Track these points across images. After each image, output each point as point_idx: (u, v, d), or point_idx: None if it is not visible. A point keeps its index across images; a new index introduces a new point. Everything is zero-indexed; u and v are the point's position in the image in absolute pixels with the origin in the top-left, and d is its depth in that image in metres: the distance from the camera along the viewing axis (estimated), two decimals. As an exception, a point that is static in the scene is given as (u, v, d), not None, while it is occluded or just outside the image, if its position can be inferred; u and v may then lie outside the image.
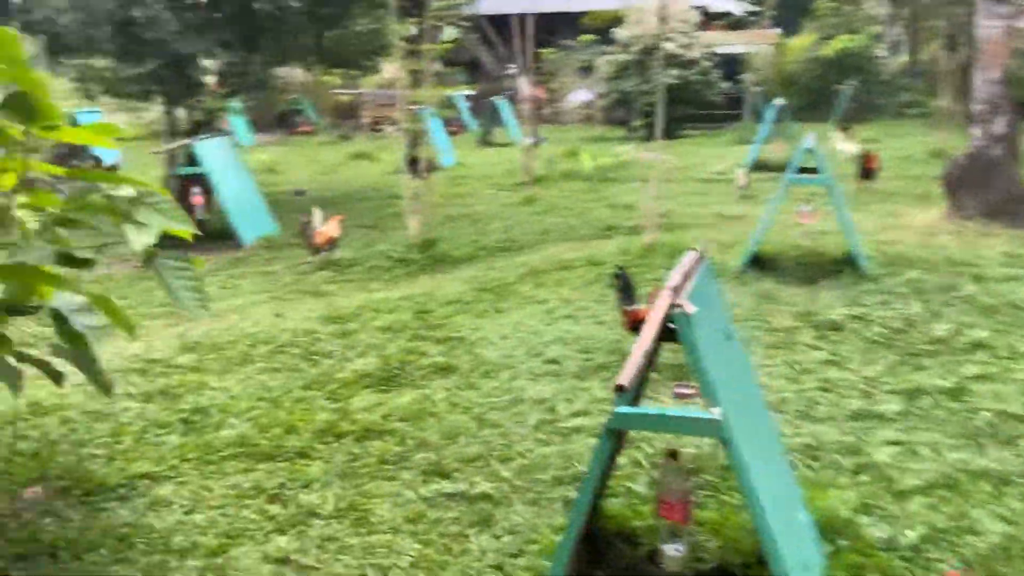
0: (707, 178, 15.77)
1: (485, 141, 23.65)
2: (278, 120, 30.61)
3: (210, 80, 11.76)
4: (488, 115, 23.82)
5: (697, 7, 24.87)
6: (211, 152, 10.36)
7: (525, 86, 32.00)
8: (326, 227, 9.20)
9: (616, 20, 9.93)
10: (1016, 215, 9.71)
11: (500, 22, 30.30)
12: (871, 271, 8.22)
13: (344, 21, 11.64)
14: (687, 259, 3.44)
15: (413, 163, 15.93)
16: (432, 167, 15.75)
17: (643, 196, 9.98)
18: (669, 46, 22.76)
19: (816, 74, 27.03)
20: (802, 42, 24.38)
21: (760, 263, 8.84)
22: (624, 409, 2.90)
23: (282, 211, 12.47)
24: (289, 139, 27.33)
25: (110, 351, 6.52)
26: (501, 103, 23.62)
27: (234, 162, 10.82)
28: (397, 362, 6.01)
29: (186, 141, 10.53)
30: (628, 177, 16.28)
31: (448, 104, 27.79)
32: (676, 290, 2.95)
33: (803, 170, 8.33)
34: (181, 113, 11.66)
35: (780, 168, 16.11)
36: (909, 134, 21.55)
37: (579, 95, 31.44)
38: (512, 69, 31.94)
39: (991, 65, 9.79)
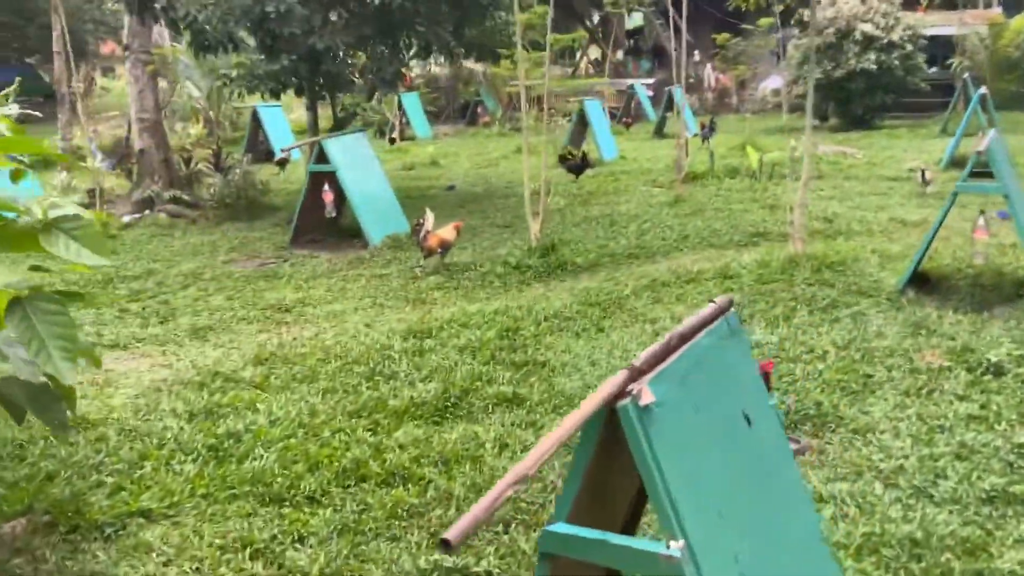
0: (895, 176, 14.06)
1: (659, 132, 22.60)
2: (461, 112, 30.90)
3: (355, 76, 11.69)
4: (665, 105, 22.73)
5: (903, -16, 22.52)
6: (341, 149, 10.22)
7: (710, 73, 30.59)
8: (441, 230, 8.77)
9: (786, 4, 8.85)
10: None
11: (688, 7, 28.96)
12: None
13: (486, 10, 11.17)
14: (703, 313, 2.64)
15: (565, 159, 15.36)
16: (586, 163, 15.14)
17: (797, 198, 8.82)
18: (867, 27, 20.72)
19: (1046, 57, 23.81)
20: (1020, 23, 21.42)
21: (925, 283, 7.57)
22: (557, 528, 2.17)
23: (427, 207, 12.25)
24: (468, 131, 27.43)
25: (184, 360, 6.41)
26: (677, 91, 22.50)
27: (367, 158, 10.63)
28: (460, 389, 5.44)
29: (315, 139, 10.44)
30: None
31: (626, 93, 26.97)
32: (639, 372, 2.18)
33: (976, 175, 6.97)
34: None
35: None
36: None
37: (771, 82, 29.56)
38: (697, 56, 30.55)
39: None
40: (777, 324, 6.70)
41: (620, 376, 2.13)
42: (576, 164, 14.97)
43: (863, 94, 21.25)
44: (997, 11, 26.50)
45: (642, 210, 11.79)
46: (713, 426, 2.35)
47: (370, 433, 4.93)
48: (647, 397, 2.08)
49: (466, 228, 11.37)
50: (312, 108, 11.86)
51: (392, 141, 22.25)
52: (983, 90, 14.37)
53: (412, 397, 5.34)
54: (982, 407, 4.99)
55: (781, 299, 7.28)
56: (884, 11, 20.88)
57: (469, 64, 28.41)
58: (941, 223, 7.27)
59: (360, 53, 11.11)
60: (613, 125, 25.31)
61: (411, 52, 11.86)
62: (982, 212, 7.35)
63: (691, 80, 29.80)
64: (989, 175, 6.87)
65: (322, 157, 10.20)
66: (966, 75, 19.16)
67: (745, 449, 2.48)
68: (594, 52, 36.61)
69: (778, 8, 9.33)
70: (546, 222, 11.09)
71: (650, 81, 30.09)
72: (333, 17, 11.36)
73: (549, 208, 11.91)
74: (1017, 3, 25.65)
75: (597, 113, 17.78)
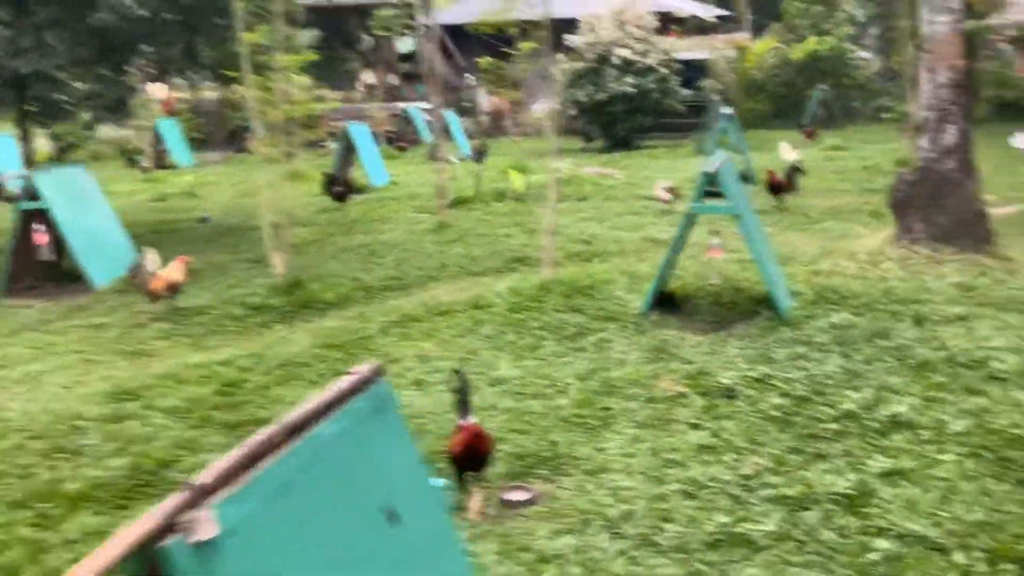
0: (652, 195, 14.45)
1: (433, 156, 22.34)
2: (230, 138, 29.32)
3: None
4: (438, 129, 22.52)
5: (657, 11, 23.64)
6: (55, 184, 9.06)
7: (483, 98, 30.87)
8: (166, 270, 7.89)
9: (508, 26, 8.86)
10: (971, 239, 8.43)
11: (459, 32, 29.13)
12: (795, 311, 6.95)
13: (222, 31, 10.36)
14: (335, 390, 2.16)
15: (332, 184, 14.71)
16: (351, 188, 14.56)
17: (545, 224, 8.68)
18: (624, 52, 21.53)
19: (784, 79, 25.81)
20: (764, 46, 23.15)
21: (670, 303, 7.58)
22: None
23: (172, 243, 11.19)
24: (236, 158, 26.01)
25: None
26: (450, 115, 22.37)
27: (88, 193, 9.51)
28: (156, 463, 4.70)
29: (24, 172, 9.22)
30: (567, 195, 15.01)
31: (400, 117, 26.64)
32: (203, 492, 1.65)
33: (709, 195, 7.05)
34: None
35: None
36: (880, 141, 20.30)
37: (542, 105, 30.21)
38: (470, 80, 30.76)
39: (939, 66, 8.52)
40: (523, 357, 6.43)
41: (171, 502, 1.59)
42: (341, 191, 14.35)
43: (624, 116, 22.04)
44: (745, 35, 28.53)
45: (405, 238, 11.36)
46: (328, 541, 1.86)
47: (35, 528, 4.10)
48: (207, 530, 1.55)
49: (212, 265, 10.48)
50: (24, 138, 10.54)
51: (144, 170, 20.58)
52: (729, 111, 15.13)
53: (93, 479, 4.54)
54: (714, 435, 4.88)
55: (530, 328, 7.03)
56: (640, 36, 21.78)
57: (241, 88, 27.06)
58: (679, 244, 7.31)
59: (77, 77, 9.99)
60: (387, 149, 24.90)
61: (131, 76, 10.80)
62: (715, 233, 7.47)
63: (466, 104, 29.95)
64: (720, 195, 6.96)
65: (35, 193, 9.00)
66: (715, 96, 20.28)
67: (382, 555, 2.02)
68: (371, 76, 36.11)
69: (515, 31, 9.18)
70: (301, 255, 10.43)
71: (426, 105, 29.91)
72: (50, 39, 10.14)
73: (302, 240, 11.26)
74: (767, 28, 27.76)
75: (364, 137, 17.21)
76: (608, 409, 5.34)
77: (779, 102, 25.98)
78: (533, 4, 8.38)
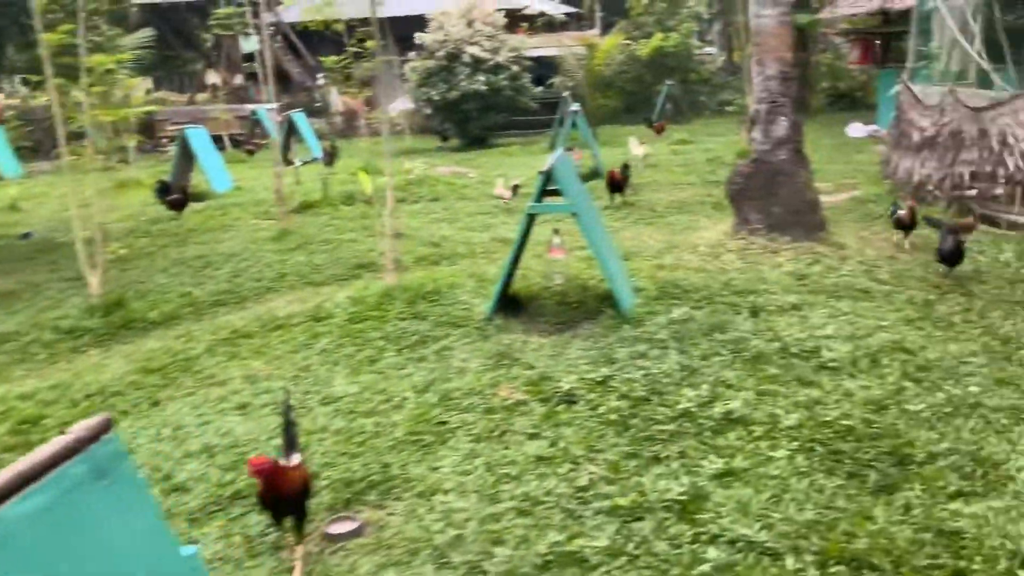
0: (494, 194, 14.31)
1: (283, 160, 21.54)
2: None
3: None
4: (286, 131, 21.74)
5: (506, 9, 23.59)
6: None
7: (335, 97, 30.11)
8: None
9: (334, 23, 8.48)
10: (804, 227, 8.64)
11: (309, 31, 28.27)
12: (639, 308, 6.89)
13: (28, 31, 9.49)
14: (42, 454, 1.79)
15: (165, 191, 13.84)
16: (188, 196, 13.75)
17: (387, 228, 8.35)
18: (474, 50, 21.36)
19: (633, 75, 26.29)
20: (611, 42, 23.49)
21: (516, 306, 7.41)
22: None
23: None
24: (62, 166, 24.30)
25: None
26: (298, 117, 21.64)
27: None
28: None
29: None
30: (420, 196, 14.70)
31: (248, 119, 25.59)
32: None
33: (550, 194, 6.90)
34: None
35: (584, 179, 14.98)
36: (724, 134, 20.93)
37: (399, 104, 29.74)
38: (321, 80, 29.92)
39: (767, 59, 8.69)
40: (361, 371, 6.09)
41: None
42: (177, 199, 13.52)
43: (478, 114, 21.89)
44: (594, 32, 28.89)
45: (243, 247, 10.76)
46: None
47: None
48: None
49: (28, 285, 9.63)
50: None
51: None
52: (576, 107, 15.16)
53: None
54: (552, 444, 4.69)
55: (370, 340, 6.70)
56: (489, 34, 21.67)
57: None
58: (521, 245, 7.13)
59: None
60: (234, 153, 23.90)
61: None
62: (556, 232, 7.34)
63: (318, 104, 29.14)
64: (557, 193, 6.81)
65: None
66: (566, 93, 20.38)
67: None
68: (216, 77, 34.62)
69: (342, 29, 8.78)
70: (127, 269, 9.73)
71: (274, 106, 28.89)
72: None
73: (132, 253, 10.50)
74: (612, 25, 28.20)
75: (202, 141, 16.31)
76: (445, 423, 5.08)
77: (629, 98, 26.44)
78: (360, 1, 8.01)
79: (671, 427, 4.74)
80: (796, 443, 4.45)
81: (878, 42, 21.11)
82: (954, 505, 3.85)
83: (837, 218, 10.31)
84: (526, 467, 4.46)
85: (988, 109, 8.87)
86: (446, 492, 4.29)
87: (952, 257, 7.43)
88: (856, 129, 19.05)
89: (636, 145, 17.27)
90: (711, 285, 7.48)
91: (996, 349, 5.83)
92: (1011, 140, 8.41)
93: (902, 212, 8.72)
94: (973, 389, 5.06)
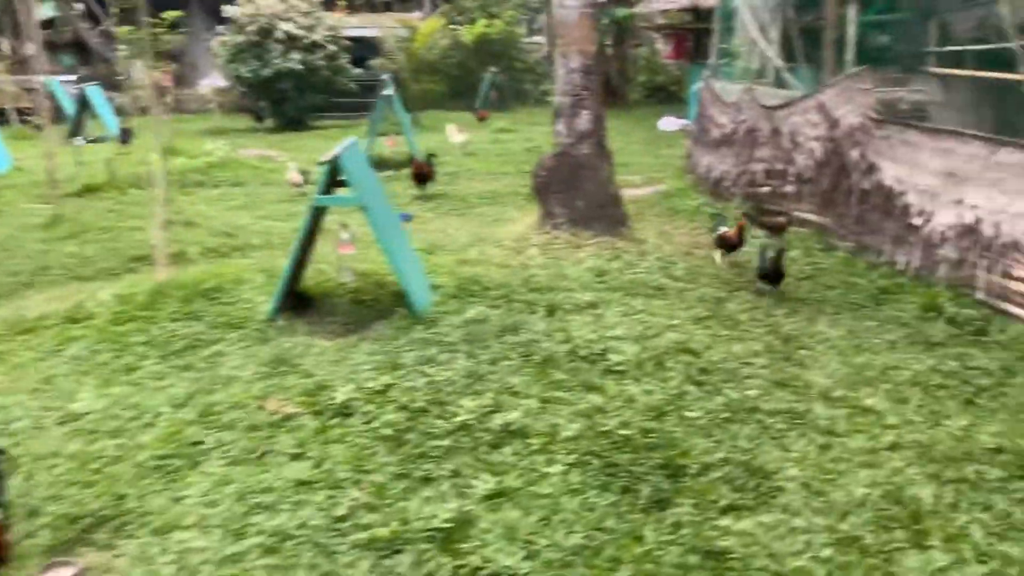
0: (311, 181, 13.63)
1: (75, 136, 19.79)
2: None
3: None
4: (78, 106, 20.02)
5: (323, -15, 22.65)
6: None
7: (140, 71, 28.07)
8: None
9: None
10: (606, 222, 8.59)
11: (106, -3, 26.17)
12: (435, 306, 6.57)
13: None
14: None
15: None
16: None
17: (156, 219, 7.62)
18: (288, 27, 20.36)
19: (457, 61, 25.98)
20: (431, 26, 23.09)
21: (305, 304, 6.90)
22: None
23: None
24: None
25: None
26: (92, 91, 19.98)
27: None
28: None
29: None
30: (221, 181, 13.78)
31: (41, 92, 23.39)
32: None
33: (333, 185, 6.43)
34: None
35: (399, 166, 14.51)
36: (545, 123, 20.90)
37: (211, 80, 28.09)
38: (124, 52, 27.81)
39: (570, 52, 8.55)
40: (114, 381, 5.43)
41: None
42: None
43: (295, 95, 20.94)
44: (417, 15, 28.30)
45: (7, 235, 9.62)
46: None
47: None
48: None
49: None
50: None
51: None
52: (389, 91, 14.65)
53: None
54: (316, 466, 4.27)
55: (131, 345, 6.02)
56: (305, 11, 20.73)
57: None
58: (309, 240, 6.64)
59: None
60: (20, 128, 21.84)
61: None
62: (344, 226, 6.90)
63: (120, 78, 27.07)
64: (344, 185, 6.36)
65: None
66: (386, 76, 19.79)
67: None
68: (3, 45, 31.49)
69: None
70: None
71: (71, 78, 26.60)
72: None
73: None
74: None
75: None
76: (199, 444, 4.55)
77: (455, 83, 26.13)
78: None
79: (447, 442, 4.43)
80: (573, 456, 4.24)
81: (689, 38, 21.77)
82: (724, 521, 3.74)
83: (642, 212, 10.40)
84: (283, 494, 4.03)
85: (780, 108, 9.13)
86: (187, 528, 3.80)
87: (774, 275, 6.99)
88: (668, 123, 19.54)
89: (455, 132, 16.97)
90: (511, 282, 7.26)
91: (778, 349, 5.89)
92: (801, 139, 8.67)
93: (727, 230, 7.87)
94: (751, 393, 5.05)
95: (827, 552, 3.49)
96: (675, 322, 6.31)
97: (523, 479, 4.03)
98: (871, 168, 7.70)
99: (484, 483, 3.99)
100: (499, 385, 5.09)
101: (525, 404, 4.80)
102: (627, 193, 11.45)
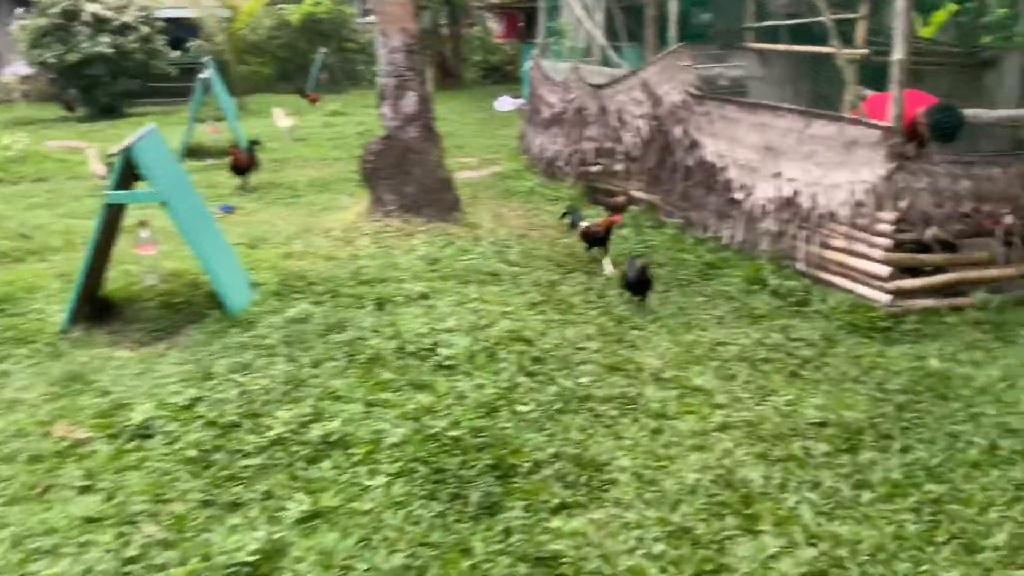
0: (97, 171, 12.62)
1: None
2: None
3: None
4: None
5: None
6: None
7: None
8: None
9: None
10: (438, 207, 8.32)
11: None
12: (255, 306, 6.11)
13: None
14: None
15: None
16: None
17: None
18: (95, 8, 18.87)
19: (285, 41, 24.97)
20: (252, 6, 22.02)
21: (107, 312, 6.28)
22: None
23: None
24: None
25: None
26: None
27: None
28: None
29: None
30: (23, 176, 12.59)
31: None
32: None
33: (132, 178, 5.84)
34: None
35: (222, 154, 13.67)
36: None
37: (14, 68, 25.79)
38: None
39: (391, 31, 8.19)
40: None
41: None
42: None
43: (107, 81, 19.47)
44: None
45: None
46: None
47: None
48: None
49: None
50: None
51: None
52: (207, 73, 13.78)
53: None
54: (108, 499, 3.80)
55: None
56: (113, -11, 19.32)
57: None
58: (106, 240, 6.02)
59: None
60: None
61: None
62: (142, 224, 6.31)
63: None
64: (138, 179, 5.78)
65: None
66: (206, 58, 18.69)
67: None
68: None
69: None
70: None
71: None
72: None
73: None
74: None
75: None
76: (-35, 487, 3.97)
77: (283, 65, 25.13)
78: None
79: (259, 460, 4.04)
80: (398, 465, 3.95)
81: (521, 17, 21.71)
82: (556, 522, 3.56)
83: (478, 195, 10.19)
84: (67, 535, 3.54)
85: (606, 86, 9.10)
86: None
87: (640, 285, 6.21)
88: (504, 103, 19.45)
89: (282, 117, 16.23)
90: (339, 275, 6.87)
91: (610, 331, 5.80)
92: (627, 117, 8.67)
93: (590, 223, 7.35)
94: (584, 380, 4.92)
95: (659, 547, 3.37)
96: (509, 309, 6.12)
97: (342, 496, 3.71)
98: (693, 144, 7.76)
99: (299, 504, 3.65)
100: (320, 390, 4.74)
101: (348, 410, 4.47)
102: (463, 175, 11.27)
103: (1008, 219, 6.13)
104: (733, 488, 3.79)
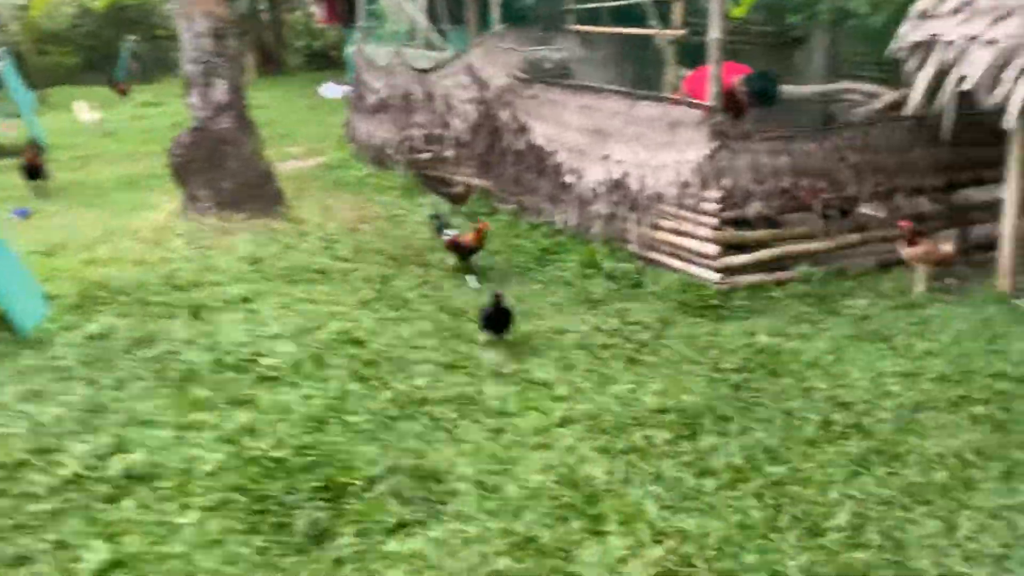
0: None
1: None
2: None
3: None
4: None
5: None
6: None
7: None
8: None
9: None
10: (259, 202, 7.81)
11: None
12: (49, 323, 5.45)
13: None
14: None
15: None
16: None
17: None
18: None
19: (89, 30, 23.20)
20: (47, -6, 20.32)
21: None
22: None
23: None
24: None
25: None
26: None
27: None
28: None
29: None
30: None
31: None
32: None
33: None
34: None
35: (18, 153, 12.42)
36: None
37: None
38: None
39: (195, 14, 7.58)
40: None
41: None
42: None
43: None
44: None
45: None
46: None
47: None
48: None
49: None
50: None
51: None
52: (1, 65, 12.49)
53: None
54: None
55: None
56: None
57: None
58: None
59: None
60: None
61: None
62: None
63: None
64: None
65: None
66: (1, 49, 17.02)
67: None
68: None
69: None
70: None
71: None
72: None
73: None
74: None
75: None
76: None
77: (89, 54, 23.37)
78: None
79: (50, 504, 3.54)
80: (214, 496, 3.56)
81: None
82: (392, 544, 3.29)
83: (304, 187, 9.69)
84: None
85: (431, 71, 8.83)
86: None
87: (497, 322, 5.20)
88: (330, 89, 18.77)
89: (85, 110, 15.00)
90: (149, 281, 6.29)
91: (447, 325, 5.57)
92: (455, 102, 8.43)
93: (458, 233, 6.75)
94: (421, 382, 4.65)
95: (503, 562, 3.16)
96: (339, 309, 5.78)
97: (148, 539, 3.28)
98: (522, 128, 7.62)
99: (96, 553, 3.20)
100: (124, 416, 4.24)
101: (155, 437, 4.01)
102: (288, 166, 10.71)
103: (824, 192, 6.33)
104: (577, 487, 3.63)
